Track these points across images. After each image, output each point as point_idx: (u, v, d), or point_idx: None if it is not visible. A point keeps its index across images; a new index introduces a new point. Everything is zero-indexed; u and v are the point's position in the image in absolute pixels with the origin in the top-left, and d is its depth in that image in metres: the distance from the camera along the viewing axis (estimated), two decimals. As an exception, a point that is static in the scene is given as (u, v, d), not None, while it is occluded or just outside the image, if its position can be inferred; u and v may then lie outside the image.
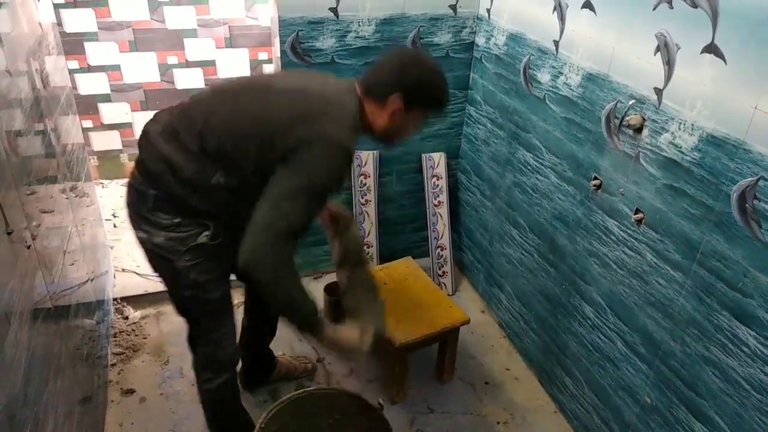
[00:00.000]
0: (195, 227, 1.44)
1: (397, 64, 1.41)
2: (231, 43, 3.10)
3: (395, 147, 1.67)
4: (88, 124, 3.27)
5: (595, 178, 1.72)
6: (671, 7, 1.37)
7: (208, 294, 1.50)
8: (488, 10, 2.27)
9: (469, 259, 2.71)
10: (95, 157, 3.39)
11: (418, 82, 1.39)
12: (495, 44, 2.24)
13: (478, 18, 2.35)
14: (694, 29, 1.30)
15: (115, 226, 2.97)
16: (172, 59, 3.24)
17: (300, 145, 1.29)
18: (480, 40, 2.36)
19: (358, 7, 2.18)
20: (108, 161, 3.43)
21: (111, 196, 3.27)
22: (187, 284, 1.47)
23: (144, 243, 1.46)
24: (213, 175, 1.38)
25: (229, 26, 3.07)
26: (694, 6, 1.30)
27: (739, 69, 1.21)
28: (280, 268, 1.30)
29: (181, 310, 1.58)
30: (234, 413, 1.75)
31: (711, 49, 1.27)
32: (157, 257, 1.47)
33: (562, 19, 1.80)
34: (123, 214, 2.91)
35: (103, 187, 3.36)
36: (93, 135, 3.33)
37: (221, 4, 3.14)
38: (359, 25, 2.22)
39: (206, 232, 1.45)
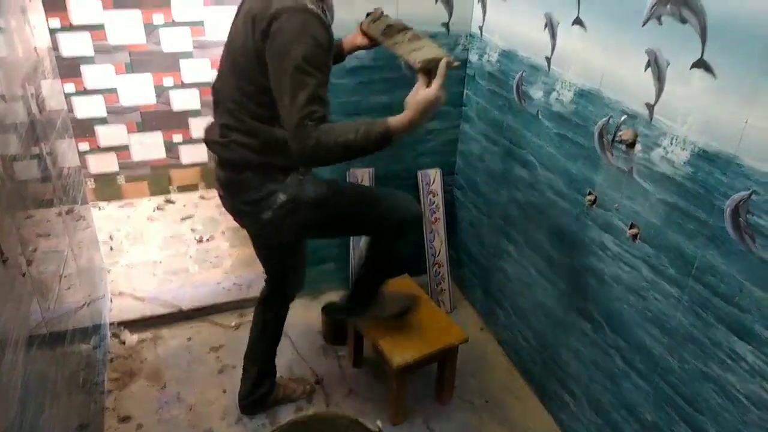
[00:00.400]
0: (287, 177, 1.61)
1: None
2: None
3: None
4: (84, 146, 3.28)
5: (590, 194, 1.72)
6: (660, 24, 1.38)
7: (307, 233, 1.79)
8: (480, 28, 2.29)
9: (466, 276, 2.70)
10: (92, 180, 3.40)
11: None
12: (488, 61, 2.26)
13: (470, 35, 2.37)
14: (684, 45, 1.31)
15: (111, 249, 2.96)
16: (168, 81, 3.27)
17: (272, 31, 1.37)
18: (473, 57, 2.38)
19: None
20: (105, 183, 3.44)
21: (107, 219, 3.27)
22: (304, 226, 1.68)
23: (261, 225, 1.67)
24: (260, 116, 1.52)
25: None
26: (683, 22, 1.31)
27: (728, 83, 1.22)
28: (325, 143, 1.35)
29: (283, 265, 1.88)
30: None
31: (701, 64, 1.28)
32: (274, 225, 1.64)
33: (553, 35, 1.82)
34: (119, 235, 2.97)
35: (99, 209, 3.36)
36: (90, 158, 3.33)
37: (216, 25, 3.17)
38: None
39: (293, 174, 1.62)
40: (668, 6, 1.35)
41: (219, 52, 1.64)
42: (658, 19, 1.38)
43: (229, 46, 1.57)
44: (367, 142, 1.38)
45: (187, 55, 3.23)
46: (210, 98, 1.67)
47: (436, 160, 2.60)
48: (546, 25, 1.84)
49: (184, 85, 3.31)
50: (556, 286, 1.96)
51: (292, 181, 1.61)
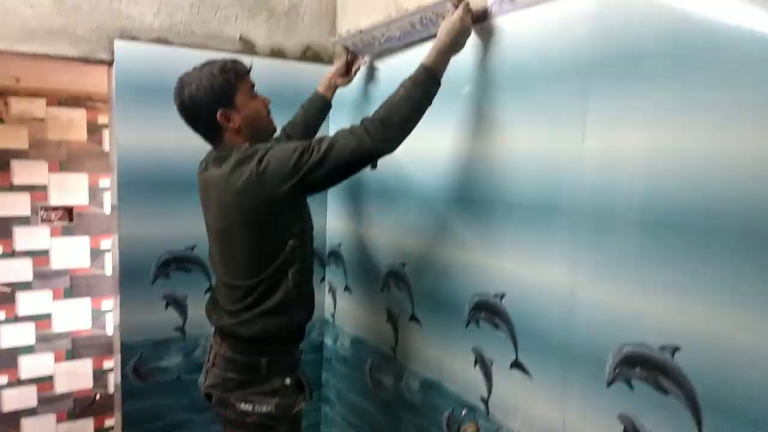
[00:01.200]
0: (297, 391, 1.58)
1: (186, 109, 1.51)
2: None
3: (270, 132, 1.65)
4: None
5: (448, 487, 1.70)
6: (478, 327, 1.57)
7: None
8: (333, 315, 2.43)
9: None
10: None
11: (205, 92, 1.45)
12: (342, 345, 2.35)
13: (324, 321, 2.50)
14: (502, 347, 1.48)
15: None
16: (106, 304, 3.00)
17: (263, 166, 1.39)
18: (328, 342, 2.47)
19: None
20: None
21: None
22: None
23: (249, 415, 1.51)
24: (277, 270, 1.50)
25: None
26: (496, 327, 1.50)
27: (544, 384, 1.36)
28: (383, 123, 1.36)
29: None
30: None
31: (517, 365, 1.44)
32: (259, 428, 1.52)
33: (395, 328, 1.97)
34: None
35: None
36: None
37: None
38: (206, 340, 2.24)
39: (302, 398, 1.59)
40: (482, 312, 1.55)
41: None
42: (476, 322, 1.57)
43: (221, 234, 1.56)
44: (415, 90, 1.38)
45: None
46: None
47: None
48: (387, 319, 2.00)
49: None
50: None
51: (296, 406, 1.57)
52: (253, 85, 1.56)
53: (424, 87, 1.40)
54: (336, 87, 2.04)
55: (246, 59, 1.93)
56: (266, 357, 1.54)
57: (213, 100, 1.46)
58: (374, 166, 1.55)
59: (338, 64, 2.05)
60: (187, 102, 1.48)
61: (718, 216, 0.98)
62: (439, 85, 1.43)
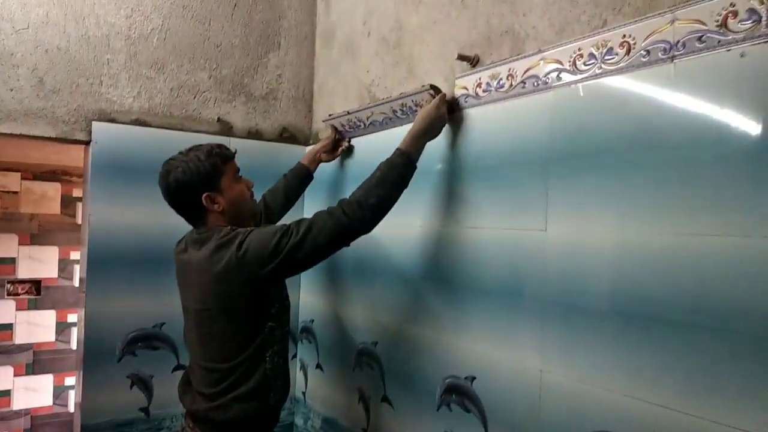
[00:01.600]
0: None
1: (172, 192, 1.51)
2: None
3: (253, 214, 1.68)
4: None
5: None
6: (450, 410, 1.56)
7: None
8: (303, 393, 2.38)
9: None
10: None
11: (191, 176, 1.48)
12: (312, 426, 2.29)
13: (294, 399, 2.44)
14: (473, 429, 1.47)
15: None
16: (69, 380, 2.84)
17: (244, 249, 1.40)
18: (299, 422, 2.41)
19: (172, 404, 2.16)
20: None
21: None
22: None
23: None
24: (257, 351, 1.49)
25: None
26: (467, 411, 1.50)
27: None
28: (359, 205, 1.41)
29: None
30: None
31: (489, 450, 1.42)
32: None
33: (366, 409, 1.94)
34: None
35: None
36: None
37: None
38: (172, 421, 2.17)
39: None
40: (453, 395, 1.55)
41: None
42: (448, 405, 1.56)
43: (199, 316, 1.53)
44: (390, 173, 1.43)
45: None
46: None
47: None
48: (359, 399, 1.97)
49: None
50: None
51: None
52: (238, 169, 1.60)
53: (400, 170, 1.45)
54: (320, 161, 2.11)
55: (223, 140, 1.99)
56: None
57: (199, 184, 1.49)
58: (347, 244, 1.59)
59: (325, 141, 2.11)
60: (173, 186, 1.50)
61: (677, 309, 1.02)
62: (415, 168, 1.48)
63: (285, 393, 1.62)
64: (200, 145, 1.54)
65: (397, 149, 1.48)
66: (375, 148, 1.91)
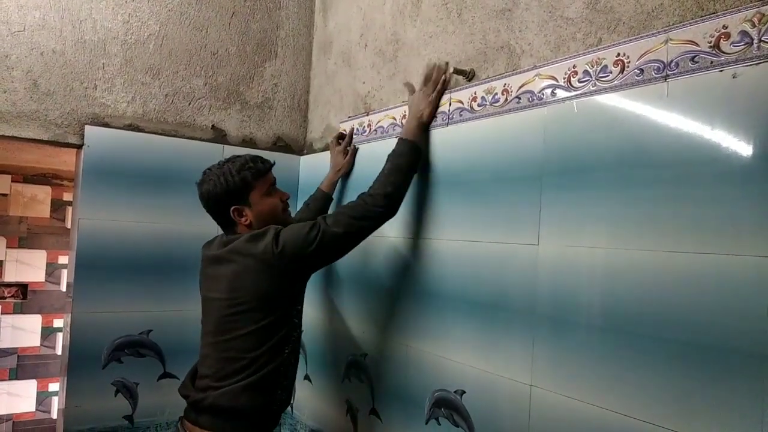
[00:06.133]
0: None
1: (204, 202, 1.58)
2: None
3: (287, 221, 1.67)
4: None
5: None
6: (439, 424, 1.55)
7: None
8: (291, 405, 2.36)
9: None
10: None
11: (221, 189, 1.54)
12: (299, 438, 2.27)
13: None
14: (460, 445, 1.46)
15: None
16: (53, 386, 2.79)
17: (272, 253, 1.46)
18: (285, 433, 2.39)
19: (157, 413, 2.14)
20: None
21: None
22: None
23: None
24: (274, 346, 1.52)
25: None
26: (456, 425, 1.49)
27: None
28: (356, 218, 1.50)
29: None
30: None
31: (476, 466, 1.41)
32: None
33: (354, 422, 1.92)
34: None
35: None
36: None
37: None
38: (156, 430, 2.14)
39: None
40: (442, 408, 1.54)
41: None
42: (436, 420, 1.55)
43: (227, 304, 1.54)
44: (398, 160, 1.54)
45: None
46: None
47: None
48: (347, 411, 1.96)
49: None
50: None
51: None
52: (274, 182, 1.65)
53: (407, 156, 1.57)
54: (338, 180, 2.08)
55: (217, 148, 1.99)
56: None
57: (227, 197, 1.56)
58: (371, 231, 1.60)
59: (337, 158, 2.06)
60: (205, 196, 1.58)
61: (666, 327, 1.02)
62: (421, 151, 1.60)
63: (288, 397, 1.63)
64: (237, 157, 1.61)
65: (399, 138, 1.59)
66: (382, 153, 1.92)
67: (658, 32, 1.08)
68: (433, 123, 1.65)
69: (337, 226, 1.49)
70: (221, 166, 1.58)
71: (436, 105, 1.62)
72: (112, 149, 2.05)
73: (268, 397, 1.53)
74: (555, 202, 1.26)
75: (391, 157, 1.57)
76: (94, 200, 2.02)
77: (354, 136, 2.07)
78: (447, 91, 1.62)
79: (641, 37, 1.12)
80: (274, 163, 1.64)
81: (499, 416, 1.36)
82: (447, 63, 1.61)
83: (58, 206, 3.41)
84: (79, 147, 2.04)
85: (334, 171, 2.05)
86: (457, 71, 1.56)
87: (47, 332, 3.07)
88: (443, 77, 1.61)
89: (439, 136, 1.63)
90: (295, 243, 1.48)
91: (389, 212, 1.54)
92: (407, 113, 1.65)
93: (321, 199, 2.04)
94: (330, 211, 1.85)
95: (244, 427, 1.51)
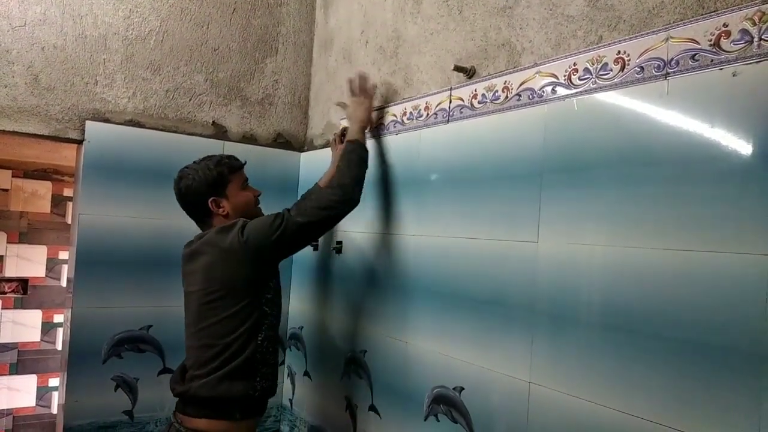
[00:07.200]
0: None
1: (182, 196, 1.66)
2: None
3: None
4: None
5: None
6: (438, 420, 1.55)
7: None
8: (290, 401, 2.36)
9: None
10: None
11: (200, 183, 1.62)
12: (299, 434, 2.28)
13: (281, 407, 2.42)
14: (459, 442, 1.47)
15: None
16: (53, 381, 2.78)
17: (238, 242, 1.54)
18: (285, 429, 2.39)
19: (157, 408, 2.14)
20: None
21: None
22: None
23: None
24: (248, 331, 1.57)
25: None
26: (455, 422, 1.49)
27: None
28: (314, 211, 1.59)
29: None
30: None
31: (474, 462, 1.42)
32: None
33: (353, 418, 1.93)
34: None
35: None
36: None
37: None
38: (156, 425, 2.15)
39: None
40: (441, 405, 1.54)
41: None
42: (436, 416, 1.56)
43: (202, 294, 1.60)
44: (350, 156, 1.67)
45: None
46: None
47: None
48: (347, 408, 1.96)
49: None
50: None
51: None
52: (246, 179, 1.75)
53: (358, 152, 1.72)
54: None
55: (217, 144, 2.00)
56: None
57: (206, 189, 1.64)
58: (336, 221, 1.68)
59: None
60: (184, 191, 1.66)
61: (659, 323, 1.03)
62: (365, 149, 1.76)
63: (272, 386, 1.65)
64: (212, 156, 1.70)
65: (346, 141, 1.75)
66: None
67: (659, 30, 1.08)
68: (434, 120, 1.65)
69: (301, 216, 1.58)
70: (198, 164, 1.67)
71: (370, 107, 1.83)
72: (113, 145, 2.05)
73: (247, 385, 1.57)
74: (555, 200, 1.26)
75: (343, 155, 1.70)
76: (94, 196, 2.02)
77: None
78: (448, 88, 1.62)
79: (642, 35, 1.12)
80: (245, 162, 1.74)
81: (497, 413, 1.36)
82: (365, 72, 1.86)
83: (58, 202, 3.42)
84: (80, 142, 2.04)
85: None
86: (458, 68, 1.56)
87: (47, 327, 3.07)
88: (368, 83, 1.81)
89: (439, 133, 1.63)
90: (258, 233, 1.56)
91: (352, 201, 1.65)
92: (348, 124, 1.80)
93: None
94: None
95: (227, 414, 1.56)
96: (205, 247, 1.61)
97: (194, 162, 1.69)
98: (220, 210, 1.66)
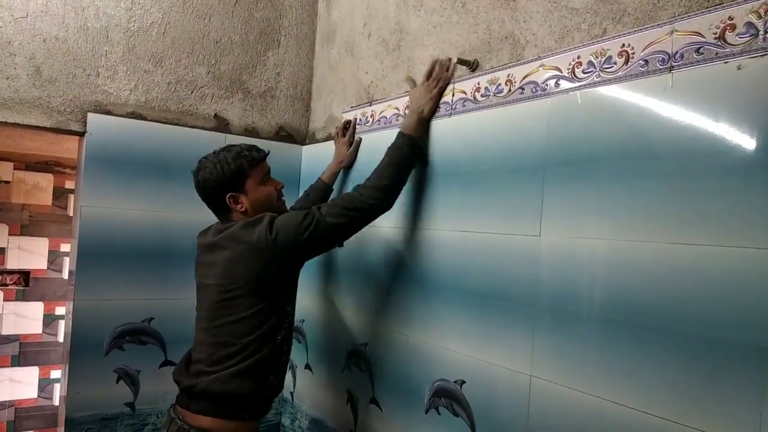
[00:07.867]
0: None
1: (200, 189, 1.59)
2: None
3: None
4: None
5: None
6: (439, 414, 1.55)
7: None
8: (292, 394, 2.37)
9: None
10: None
11: (217, 177, 1.55)
12: (299, 426, 2.28)
13: (282, 399, 2.43)
14: (460, 434, 1.47)
15: None
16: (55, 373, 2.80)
17: (265, 240, 1.47)
18: (286, 422, 2.40)
19: (158, 400, 2.15)
20: None
21: None
22: None
23: None
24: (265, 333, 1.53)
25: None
26: (456, 415, 1.49)
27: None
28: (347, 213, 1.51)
29: None
30: None
31: (475, 455, 1.42)
32: None
33: (354, 411, 1.93)
34: None
35: None
36: None
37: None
38: (157, 417, 2.16)
39: None
40: (442, 398, 1.54)
41: None
42: (437, 409, 1.56)
43: (221, 290, 1.54)
44: (396, 155, 1.54)
45: None
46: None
47: None
48: (347, 401, 1.97)
49: None
50: None
51: None
52: (268, 171, 1.66)
53: (405, 150, 1.57)
54: (339, 171, 2.08)
55: (219, 136, 1.99)
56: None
57: (223, 184, 1.57)
58: (341, 244, 1.61)
59: (341, 149, 2.07)
60: (201, 184, 1.60)
61: (666, 317, 1.03)
62: (419, 147, 1.61)
63: (281, 384, 1.65)
64: (232, 146, 1.61)
65: (399, 132, 1.59)
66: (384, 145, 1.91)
67: (664, 23, 1.08)
68: (436, 113, 1.64)
69: (331, 216, 1.50)
70: (217, 155, 1.59)
71: (437, 101, 1.63)
72: (115, 137, 2.05)
73: (259, 383, 1.54)
74: (557, 194, 1.25)
75: (390, 150, 1.58)
76: (96, 188, 2.02)
77: (356, 126, 2.06)
78: (450, 81, 1.61)
79: (646, 28, 1.11)
80: (269, 152, 1.65)
81: (499, 406, 1.36)
82: (450, 59, 1.60)
83: (60, 194, 3.42)
84: (82, 134, 2.04)
85: (337, 162, 2.06)
86: (461, 61, 1.55)
87: (49, 319, 3.09)
88: (446, 73, 1.61)
89: (441, 126, 1.62)
90: (288, 231, 1.49)
91: (384, 205, 1.55)
92: (408, 106, 1.65)
93: (321, 190, 2.04)
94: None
95: (235, 412, 1.52)
96: (228, 242, 1.53)
97: (213, 152, 1.61)
98: (239, 206, 1.59)
